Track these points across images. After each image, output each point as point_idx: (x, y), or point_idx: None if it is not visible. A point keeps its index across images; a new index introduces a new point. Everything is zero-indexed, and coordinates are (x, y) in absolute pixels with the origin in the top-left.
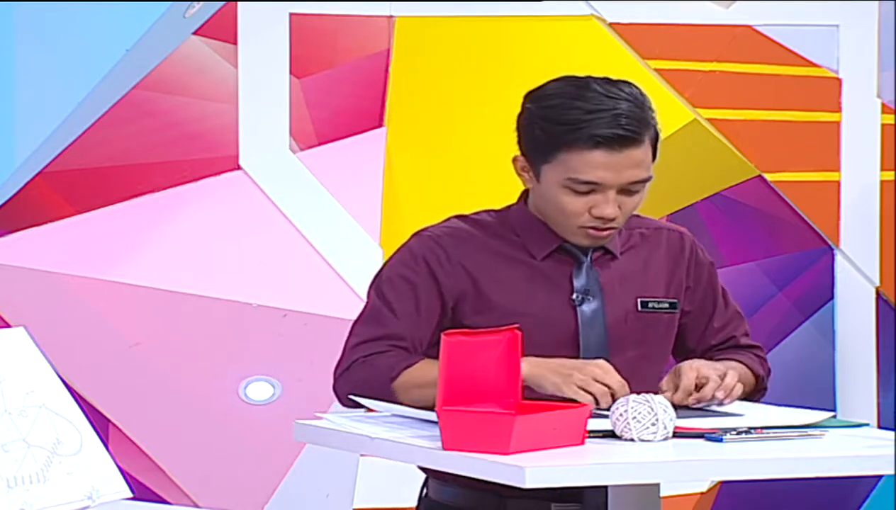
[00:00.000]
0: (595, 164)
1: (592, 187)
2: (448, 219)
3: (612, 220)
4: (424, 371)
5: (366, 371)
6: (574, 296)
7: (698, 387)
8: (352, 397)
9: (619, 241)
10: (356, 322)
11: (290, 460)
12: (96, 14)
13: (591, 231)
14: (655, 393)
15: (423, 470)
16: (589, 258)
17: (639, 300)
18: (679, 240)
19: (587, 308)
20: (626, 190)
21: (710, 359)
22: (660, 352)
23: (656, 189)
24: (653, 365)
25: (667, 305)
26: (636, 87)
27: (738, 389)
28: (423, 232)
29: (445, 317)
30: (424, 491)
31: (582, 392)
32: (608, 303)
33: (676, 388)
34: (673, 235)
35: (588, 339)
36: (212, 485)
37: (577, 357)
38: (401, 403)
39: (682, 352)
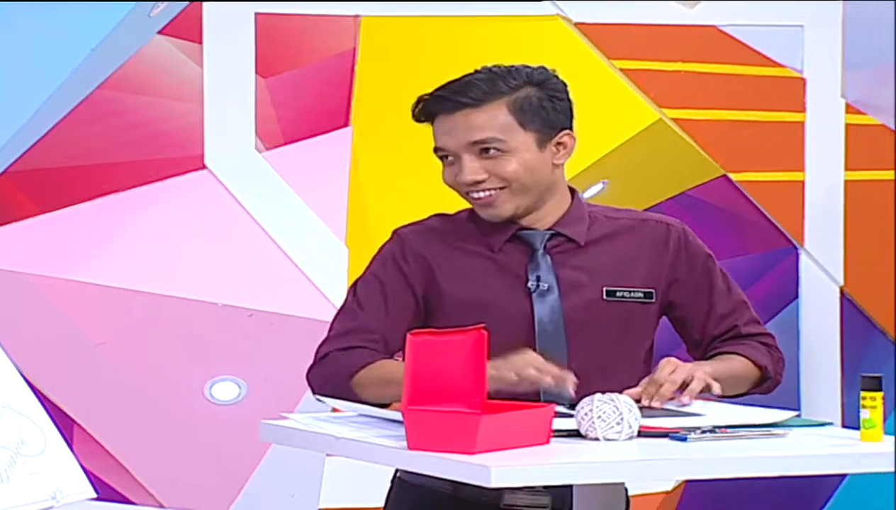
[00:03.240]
0: (438, 131)
1: (447, 154)
2: (428, 217)
3: (477, 183)
4: (382, 370)
5: (330, 367)
6: (529, 284)
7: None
8: (319, 398)
9: (588, 230)
10: (333, 318)
11: (255, 460)
12: (61, 13)
13: (473, 199)
14: (631, 382)
15: None
16: (542, 246)
17: (605, 289)
18: (665, 231)
19: (542, 297)
20: (484, 152)
21: (713, 350)
22: (632, 341)
23: (621, 188)
24: (625, 354)
25: (640, 295)
26: (520, 66)
27: (716, 389)
28: (397, 230)
29: (420, 311)
30: (397, 471)
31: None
32: (566, 291)
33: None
34: (659, 227)
35: (543, 327)
36: (177, 485)
37: (533, 345)
38: (363, 400)
39: (691, 345)
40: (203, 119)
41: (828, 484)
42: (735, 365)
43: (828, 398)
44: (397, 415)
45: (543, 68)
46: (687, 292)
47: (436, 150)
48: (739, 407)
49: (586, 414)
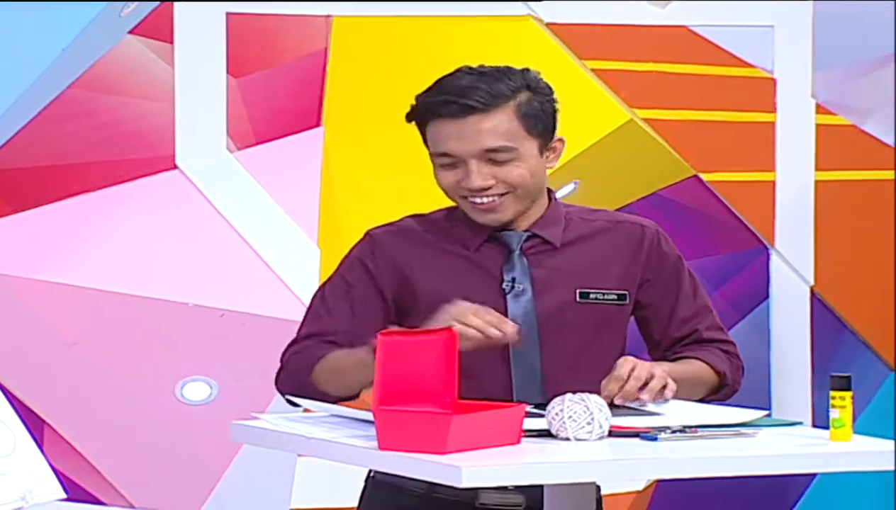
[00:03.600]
0: (444, 134)
1: (453, 159)
2: (402, 218)
3: (484, 190)
4: (330, 361)
5: (290, 369)
6: (504, 285)
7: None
8: (289, 398)
9: (564, 231)
10: (301, 321)
11: (227, 460)
12: (32, 13)
13: (473, 204)
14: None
15: None
16: (519, 247)
17: (578, 291)
18: (640, 233)
19: (516, 297)
20: (492, 159)
21: (673, 354)
22: (606, 343)
23: (592, 189)
24: (598, 355)
25: (614, 297)
26: (510, 68)
27: (671, 389)
28: (369, 231)
29: (390, 312)
30: (370, 471)
31: (459, 324)
32: (540, 292)
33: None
34: (634, 228)
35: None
36: (148, 485)
37: (507, 346)
38: (327, 395)
39: (650, 346)
40: (174, 119)
41: (798, 483)
42: (693, 368)
43: (798, 398)
44: (368, 416)
45: (529, 70)
46: (654, 292)
47: (438, 154)
48: (710, 407)
49: (557, 414)
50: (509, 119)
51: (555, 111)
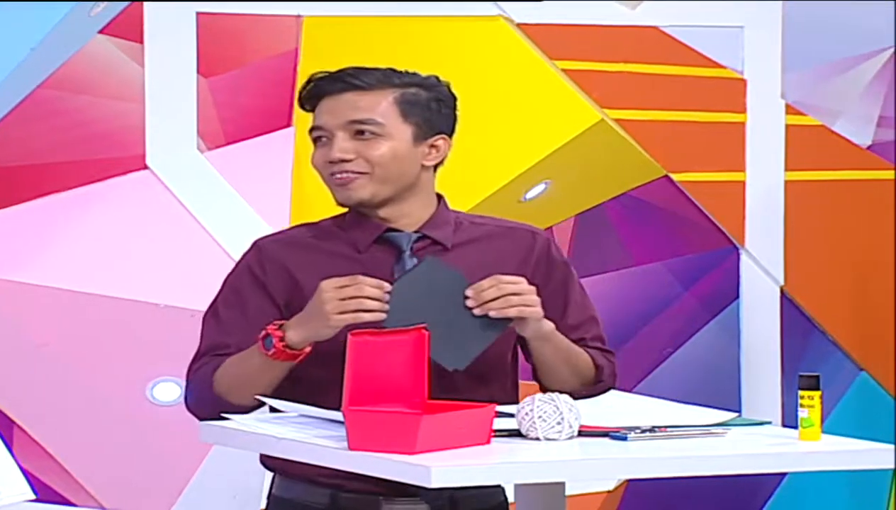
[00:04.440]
0: (321, 110)
1: (322, 133)
2: (291, 227)
3: (343, 162)
4: (233, 367)
5: (192, 388)
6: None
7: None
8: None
9: (454, 234)
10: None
11: (197, 461)
12: (0, 13)
13: (333, 178)
14: (500, 384)
15: (268, 467)
16: (409, 248)
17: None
18: (530, 239)
19: None
20: (358, 133)
21: None
22: (496, 344)
23: (563, 189)
24: (490, 356)
25: None
26: (417, 72)
27: (531, 305)
28: (256, 241)
29: (283, 318)
30: (271, 488)
31: (347, 314)
32: None
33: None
34: (525, 235)
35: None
36: (118, 486)
37: None
38: (238, 405)
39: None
40: (144, 119)
41: (768, 483)
42: (576, 348)
43: (768, 397)
44: (338, 416)
45: (437, 77)
46: (543, 298)
47: (312, 130)
48: (680, 407)
49: (527, 414)
50: (386, 100)
51: (448, 113)
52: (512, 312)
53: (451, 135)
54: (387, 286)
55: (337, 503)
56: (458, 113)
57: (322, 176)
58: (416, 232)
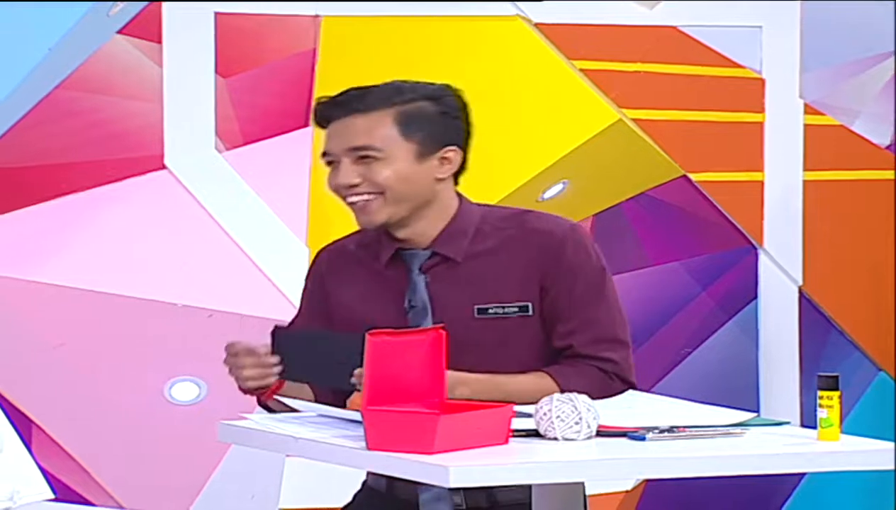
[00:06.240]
0: (328, 135)
1: (330, 158)
2: (350, 234)
3: (352, 187)
4: None
5: None
6: (405, 304)
7: None
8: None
9: (471, 243)
10: None
11: (215, 461)
12: (19, 13)
13: (349, 203)
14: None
15: None
16: (417, 266)
17: (476, 307)
18: (545, 241)
19: (416, 316)
20: (361, 158)
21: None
22: (509, 357)
23: (581, 189)
24: (502, 370)
25: (515, 310)
26: (419, 82)
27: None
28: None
29: (326, 324)
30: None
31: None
32: (439, 310)
33: None
34: (542, 237)
35: None
36: (136, 485)
37: None
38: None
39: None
40: (162, 119)
41: (786, 483)
42: (506, 382)
43: (786, 397)
44: (356, 416)
45: (445, 86)
46: (550, 301)
47: (322, 155)
48: (699, 407)
49: (545, 414)
50: (384, 121)
51: (456, 124)
52: None
53: (463, 144)
54: (263, 350)
55: (392, 489)
56: (470, 120)
57: (338, 198)
58: (428, 247)
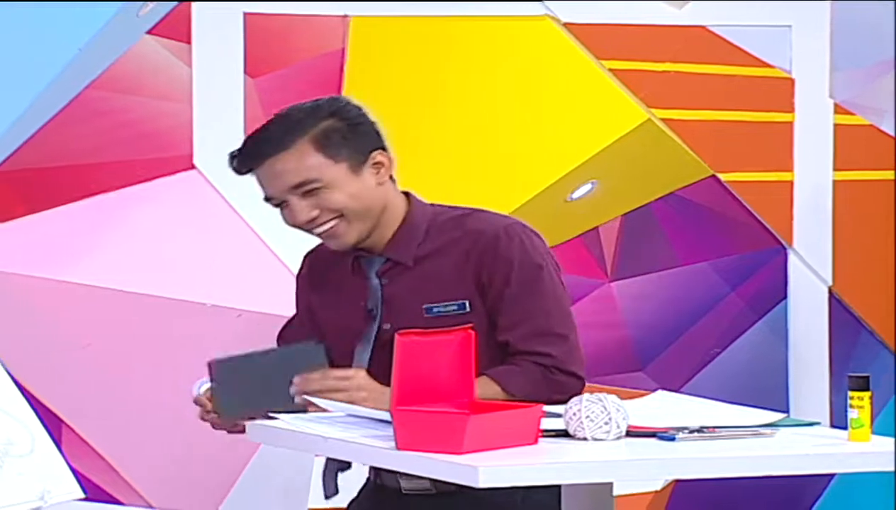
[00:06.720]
0: (259, 181)
1: (277, 201)
2: None
3: (313, 221)
4: None
5: None
6: (368, 309)
7: None
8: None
9: (421, 245)
10: None
11: (245, 460)
12: (49, 13)
13: (316, 234)
14: None
15: None
16: (373, 271)
17: (424, 307)
18: (481, 238)
19: (374, 320)
20: (307, 193)
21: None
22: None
23: (610, 189)
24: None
25: (454, 308)
26: (311, 103)
27: (357, 402)
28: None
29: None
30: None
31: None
32: (392, 314)
33: None
34: (478, 235)
35: (374, 350)
36: (166, 485)
37: (370, 369)
38: None
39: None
40: (192, 119)
41: (817, 484)
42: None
43: (816, 398)
44: (386, 416)
45: (335, 98)
46: (490, 296)
47: (266, 199)
48: (727, 407)
49: (574, 414)
50: (305, 153)
51: (368, 129)
52: (339, 397)
53: (383, 145)
54: (204, 398)
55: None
56: (374, 119)
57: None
58: (381, 253)
